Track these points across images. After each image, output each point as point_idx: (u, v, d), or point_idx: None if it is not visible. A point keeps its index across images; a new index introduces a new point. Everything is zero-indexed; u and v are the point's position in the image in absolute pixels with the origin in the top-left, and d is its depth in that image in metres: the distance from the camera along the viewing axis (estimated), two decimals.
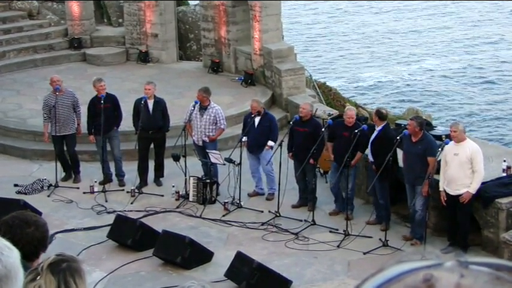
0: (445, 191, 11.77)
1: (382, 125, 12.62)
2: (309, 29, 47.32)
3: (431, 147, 12.05)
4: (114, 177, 14.84)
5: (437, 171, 11.96)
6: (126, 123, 14.86)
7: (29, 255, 3.88)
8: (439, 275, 1.15)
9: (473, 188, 11.56)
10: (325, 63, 39.58)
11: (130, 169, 14.59)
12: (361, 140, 12.58)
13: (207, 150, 13.99)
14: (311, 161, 13.10)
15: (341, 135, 12.98)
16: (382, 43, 43.50)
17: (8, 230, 4.01)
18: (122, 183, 14.72)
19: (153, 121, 14.28)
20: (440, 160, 11.85)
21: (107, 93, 14.53)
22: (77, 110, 14.65)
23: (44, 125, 14.83)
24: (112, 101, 14.49)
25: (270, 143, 13.72)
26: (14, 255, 2.85)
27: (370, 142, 12.57)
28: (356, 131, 12.53)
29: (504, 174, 12.45)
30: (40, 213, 11.15)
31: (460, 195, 11.59)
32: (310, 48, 42.21)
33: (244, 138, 13.98)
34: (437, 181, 11.96)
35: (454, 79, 36.22)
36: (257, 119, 13.88)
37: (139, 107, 14.27)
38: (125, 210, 13.51)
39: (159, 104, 14.42)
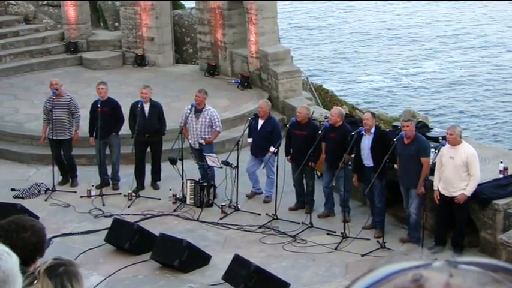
0: (439, 191, 11.80)
1: (374, 129, 12.57)
2: (307, 30, 47.33)
3: (424, 147, 12.08)
4: (111, 180, 14.85)
5: (432, 173, 11.98)
6: (123, 127, 14.84)
7: (25, 260, 3.88)
8: (428, 274, 1.16)
9: (468, 191, 11.57)
10: (323, 65, 39.58)
11: (127, 173, 14.60)
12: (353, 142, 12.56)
13: (204, 153, 13.99)
14: (310, 163, 13.09)
15: (329, 137, 12.99)
16: (381, 46, 43.50)
17: (4, 234, 4.01)
18: (115, 187, 14.72)
19: (149, 125, 14.29)
20: (435, 162, 11.87)
21: (108, 97, 14.50)
22: (75, 115, 14.61)
23: (42, 126, 14.84)
24: (111, 106, 14.44)
25: (272, 149, 13.71)
26: (12, 260, 2.85)
27: (369, 148, 12.50)
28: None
29: (501, 176, 12.47)
30: (37, 218, 11.15)
31: (454, 197, 11.61)
32: (308, 50, 42.22)
33: (250, 140, 14.01)
34: (432, 181, 11.99)
35: (453, 81, 36.24)
36: (260, 122, 13.88)
37: (135, 110, 14.28)
38: (122, 214, 13.50)
39: (156, 107, 14.42)
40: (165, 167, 14.49)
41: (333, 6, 54.36)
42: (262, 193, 14.27)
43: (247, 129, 14.12)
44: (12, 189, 14.59)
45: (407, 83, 36.40)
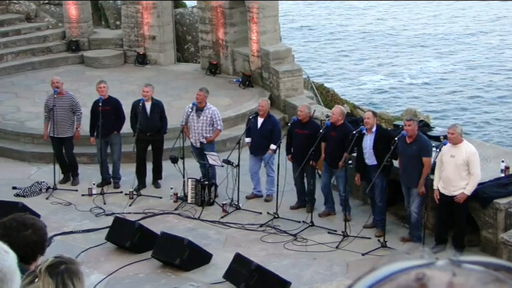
0: (439, 190, 11.79)
1: (375, 128, 12.56)
2: (310, 30, 47.31)
3: (426, 147, 12.06)
4: (112, 179, 14.85)
5: (433, 171, 11.97)
6: (125, 126, 14.85)
7: (26, 258, 3.88)
8: (431, 273, 1.15)
9: (468, 190, 11.56)
10: (325, 64, 39.55)
11: (129, 171, 14.59)
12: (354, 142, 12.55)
13: (205, 152, 13.99)
14: (312, 162, 13.09)
15: (330, 136, 12.98)
16: (383, 45, 43.46)
17: (5, 232, 4.00)
18: (116, 186, 14.72)
19: (150, 123, 14.28)
20: (435, 161, 11.86)
21: (109, 96, 14.51)
22: (77, 113, 14.63)
23: (44, 124, 14.84)
24: (113, 105, 14.44)
25: (273, 146, 13.71)
26: (10, 258, 2.83)
27: (371, 148, 12.49)
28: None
29: (502, 175, 12.47)
30: (38, 216, 11.13)
31: (455, 196, 11.60)
32: (310, 49, 42.19)
33: (248, 140, 13.99)
34: (433, 180, 11.98)
35: (455, 81, 36.20)
36: (260, 121, 13.87)
37: (137, 109, 14.27)
38: (123, 213, 13.50)
39: (157, 106, 14.42)
40: (166, 165, 14.50)
41: (334, 6, 54.32)
42: (262, 196, 14.27)
43: (247, 128, 14.11)
44: (14, 188, 14.60)
45: (410, 82, 36.38)
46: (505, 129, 29.76)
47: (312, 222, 13.00)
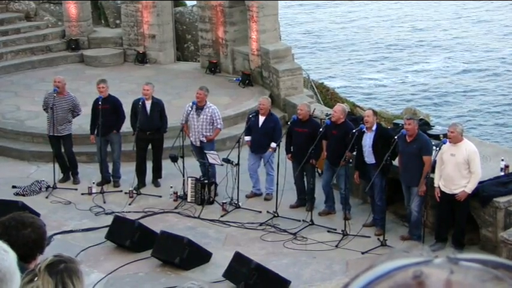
0: (440, 188, 11.79)
1: (375, 127, 12.57)
2: (311, 31, 47.30)
3: (426, 146, 12.07)
4: (111, 178, 14.85)
5: (433, 170, 11.97)
6: (125, 125, 14.84)
7: (25, 257, 3.88)
8: (428, 271, 1.15)
9: (469, 188, 11.57)
10: (327, 63, 39.55)
11: (128, 170, 14.59)
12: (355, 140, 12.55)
13: (205, 151, 14.00)
14: (312, 161, 13.09)
15: (331, 134, 12.98)
16: (385, 45, 43.45)
17: (4, 231, 4.00)
18: (116, 185, 14.72)
19: (150, 122, 14.28)
20: (436, 159, 11.86)
21: (109, 95, 14.50)
22: (74, 114, 14.64)
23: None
24: (112, 103, 14.43)
25: (273, 144, 13.71)
26: (9, 258, 2.83)
27: (371, 146, 12.49)
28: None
29: (502, 173, 12.47)
30: (38, 215, 11.13)
31: (455, 194, 11.60)
32: (312, 49, 42.17)
33: (248, 138, 13.99)
34: (433, 179, 11.98)
35: (456, 81, 36.19)
36: (261, 119, 13.87)
37: (137, 107, 14.27)
38: (123, 211, 13.50)
39: (157, 105, 14.42)
40: (166, 164, 14.49)
41: (334, 6, 54.34)
42: (261, 194, 14.27)
43: (247, 127, 14.11)
44: (14, 187, 14.60)
45: (411, 80, 36.36)
46: (505, 127, 29.74)
47: (311, 221, 13.00)
